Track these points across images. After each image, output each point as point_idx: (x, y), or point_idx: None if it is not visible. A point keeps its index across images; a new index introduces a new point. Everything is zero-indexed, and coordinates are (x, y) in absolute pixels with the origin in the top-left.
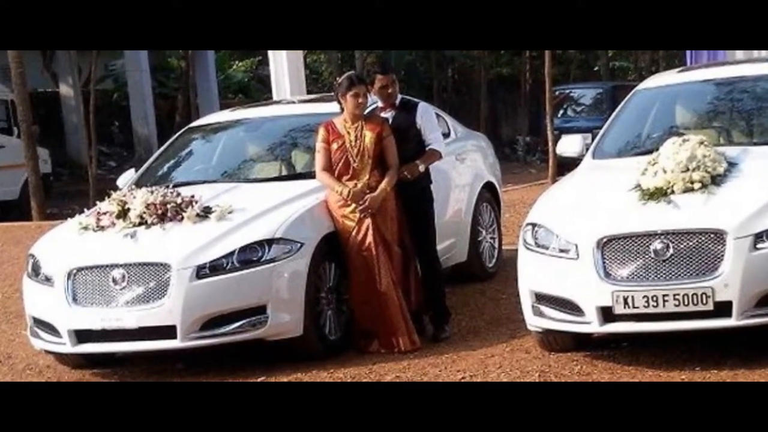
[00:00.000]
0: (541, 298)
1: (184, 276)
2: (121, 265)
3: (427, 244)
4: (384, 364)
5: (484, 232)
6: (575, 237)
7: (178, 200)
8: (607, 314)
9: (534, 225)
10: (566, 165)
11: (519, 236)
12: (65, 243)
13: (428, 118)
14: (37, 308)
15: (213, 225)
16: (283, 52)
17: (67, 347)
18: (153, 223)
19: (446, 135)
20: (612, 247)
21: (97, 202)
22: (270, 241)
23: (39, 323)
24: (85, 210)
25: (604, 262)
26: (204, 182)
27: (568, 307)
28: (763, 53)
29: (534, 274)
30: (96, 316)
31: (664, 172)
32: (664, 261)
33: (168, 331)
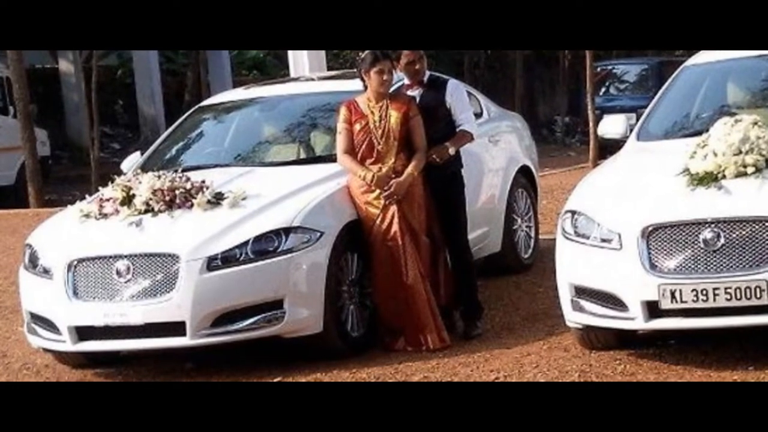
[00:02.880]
0: (581, 292)
1: (194, 268)
2: (125, 256)
3: (458, 234)
4: (411, 363)
5: (519, 221)
6: (618, 225)
7: (188, 186)
8: (652, 309)
9: (573, 212)
10: (608, 147)
11: (557, 225)
12: (65, 232)
13: (459, 96)
14: (34, 303)
15: (225, 213)
16: None
17: (67, 345)
18: (160, 211)
19: (478, 115)
20: (658, 236)
21: (100, 188)
22: (287, 230)
23: (37, 319)
24: (87, 196)
25: (649, 253)
26: (215, 166)
27: (611, 301)
28: None
29: (573, 266)
30: (98, 312)
31: (715, 155)
32: (714, 251)
33: (176, 328)
